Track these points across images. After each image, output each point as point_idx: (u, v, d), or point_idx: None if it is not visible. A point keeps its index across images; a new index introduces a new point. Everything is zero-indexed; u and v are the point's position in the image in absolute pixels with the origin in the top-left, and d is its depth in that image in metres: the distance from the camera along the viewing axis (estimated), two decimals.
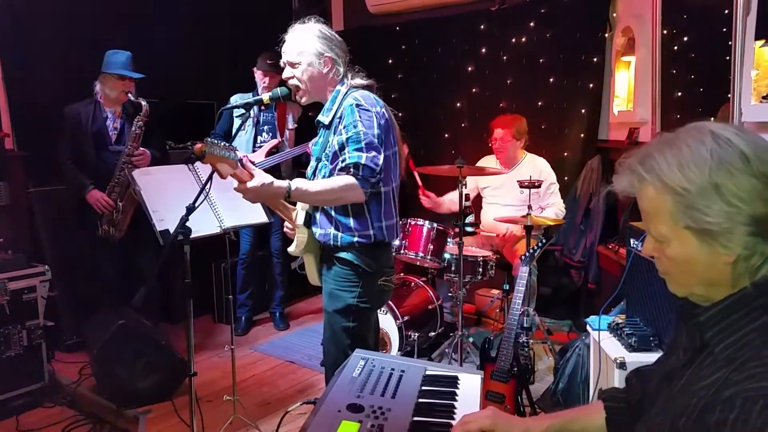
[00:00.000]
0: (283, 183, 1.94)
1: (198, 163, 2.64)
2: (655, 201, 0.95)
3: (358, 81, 2.13)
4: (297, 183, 1.96)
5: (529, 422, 1.23)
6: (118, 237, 3.51)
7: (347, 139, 1.98)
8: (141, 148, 3.48)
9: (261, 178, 1.91)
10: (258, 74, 4.00)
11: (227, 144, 1.85)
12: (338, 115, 2.05)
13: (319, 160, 2.13)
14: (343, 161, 1.98)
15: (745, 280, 0.92)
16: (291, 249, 2.19)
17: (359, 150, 1.95)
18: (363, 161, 1.94)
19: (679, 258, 0.95)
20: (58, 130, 3.55)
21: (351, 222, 2.05)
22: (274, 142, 3.94)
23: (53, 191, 3.81)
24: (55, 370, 3.30)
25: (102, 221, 3.50)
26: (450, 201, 3.94)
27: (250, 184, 1.88)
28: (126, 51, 3.48)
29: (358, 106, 1.99)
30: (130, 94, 3.44)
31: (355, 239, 2.05)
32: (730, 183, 0.88)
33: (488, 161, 4.00)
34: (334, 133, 2.04)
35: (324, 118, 2.11)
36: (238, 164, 1.87)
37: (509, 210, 3.80)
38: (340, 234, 2.06)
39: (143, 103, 3.42)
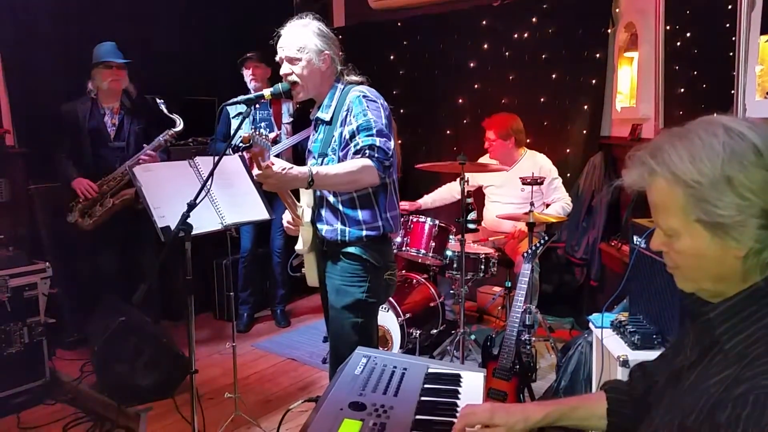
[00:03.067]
0: (303, 168, 1.93)
1: (198, 159, 2.68)
2: (665, 194, 0.93)
3: (353, 78, 2.17)
4: (316, 167, 1.96)
5: (529, 409, 1.21)
6: (86, 229, 3.45)
7: (358, 127, 2.00)
8: (154, 154, 3.43)
9: (282, 163, 1.90)
10: (244, 71, 4.04)
11: (266, 134, 1.88)
12: (344, 108, 2.06)
13: (323, 155, 2.12)
14: (356, 146, 1.99)
15: (755, 275, 0.91)
16: (298, 247, 2.19)
17: (371, 136, 1.98)
18: (378, 144, 1.97)
19: (689, 252, 0.94)
20: (57, 128, 3.53)
21: (359, 214, 2.06)
22: (272, 135, 3.93)
23: (54, 188, 3.79)
24: (56, 367, 3.28)
25: (74, 208, 3.44)
26: (437, 200, 4.00)
27: (274, 168, 1.86)
28: (111, 41, 3.45)
29: (365, 97, 2.04)
30: (123, 83, 3.37)
31: (364, 233, 2.07)
32: (743, 176, 0.87)
33: (490, 158, 3.98)
34: (340, 126, 2.05)
35: (324, 114, 2.12)
36: (269, 155, 1.90)
37: (510, 208, 3.78)
38: (347, 229, 2.07)
39: (178, 120, 3.38)
